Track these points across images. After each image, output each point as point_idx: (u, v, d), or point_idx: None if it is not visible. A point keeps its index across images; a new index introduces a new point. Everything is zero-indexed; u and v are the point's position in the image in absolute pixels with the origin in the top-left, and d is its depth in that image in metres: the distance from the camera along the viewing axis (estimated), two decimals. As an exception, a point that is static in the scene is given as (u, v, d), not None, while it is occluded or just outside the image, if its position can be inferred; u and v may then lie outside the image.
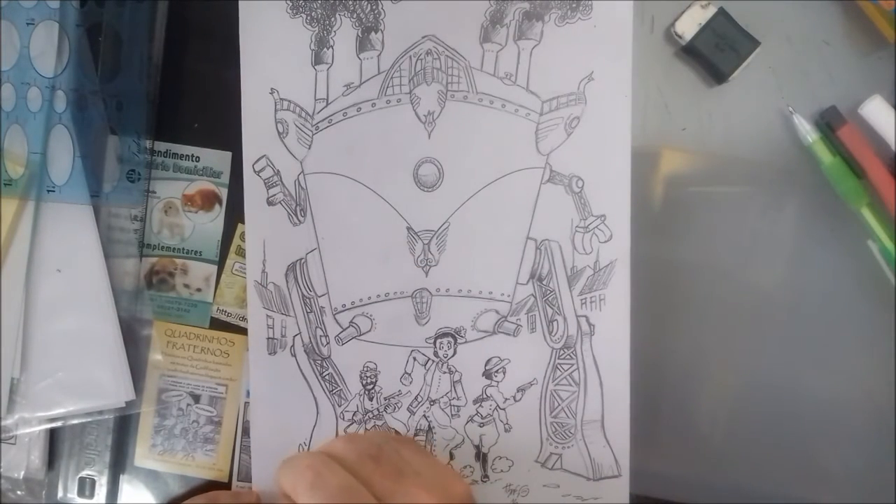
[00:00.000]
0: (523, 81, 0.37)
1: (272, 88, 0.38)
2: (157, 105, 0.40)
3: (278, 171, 0.39)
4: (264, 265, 0.39)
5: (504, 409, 0.39)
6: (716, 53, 0.37)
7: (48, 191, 0.39)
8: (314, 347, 0.39)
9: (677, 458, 0.40)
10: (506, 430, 0.39)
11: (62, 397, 0.40)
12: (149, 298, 0.41)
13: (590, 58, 0.37)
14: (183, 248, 0.41)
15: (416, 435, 0.40)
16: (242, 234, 0.40)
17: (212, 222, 0.41)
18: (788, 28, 0.37)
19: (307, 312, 0.39)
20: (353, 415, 0.40)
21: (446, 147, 0.38)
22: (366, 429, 0.40)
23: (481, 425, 0.39)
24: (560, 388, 0.39)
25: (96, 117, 0.39)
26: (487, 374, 0.39)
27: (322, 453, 0.36)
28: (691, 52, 0.37)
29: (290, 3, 0.38)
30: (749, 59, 0.37)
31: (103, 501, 0.42)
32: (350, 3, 0.37)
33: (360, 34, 0.38)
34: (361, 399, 0.40)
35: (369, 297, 0.39)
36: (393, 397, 0.39)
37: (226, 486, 0.42)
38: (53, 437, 0.42)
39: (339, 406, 0.40)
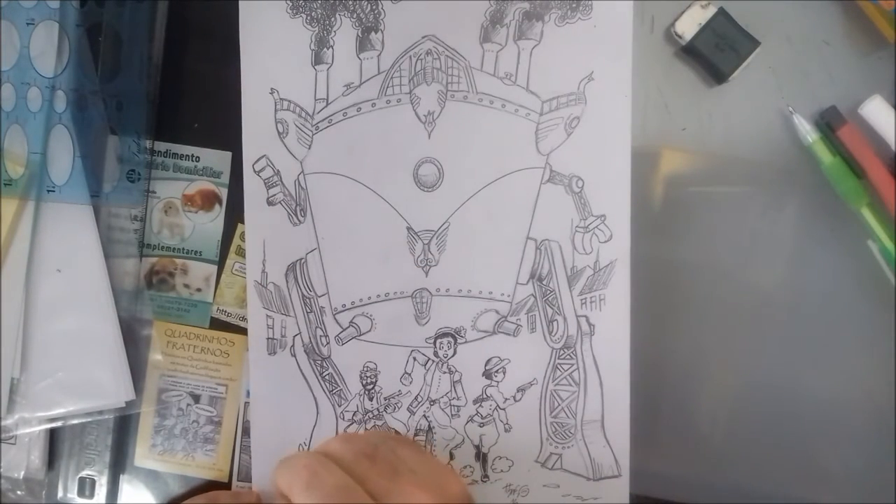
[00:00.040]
0: (523, 81, 0.37)
1: (272, 88, 0.38)
2: (157, 105, 0.40)
3: (278, 171, 0.39)
4: (264, 265, 0.39)
5: (504, 409, 0.39)
6: (716, 53, 0.37)
7: (48, 191, 0.39)
8: (314, 347, 0.39)
9: (677, 458, 0.40)
10: (506, 430, 0.39)
11: (62, 397, 0.40)
12: (149, 298, 0.41)
13: (590, 58, 0.37)
14: (183, 248, 0.41)
15: (416, 435, 0.40)
16: (242, 234, 0.40)
17: (212, 222, 0.41)
18: (788, 28, 0.37)
19: (307, 312, 0.39)
20: (353, 415, 0.40)
21: (446, 147, 0.38)
22: (366, 429, 0.40)
23: (481, 425, 0.39)
24: (560, 388, 0.39)
25: (96, 117, 0.39)
26: (487, 374, 0.39)
27: (318, 453, 0.36)
28: (691, 52, 0.37)
29: (290, 3, 0.38)
30: (749, 59, 0.37)
31: (103, 501, 0.42)
32: (350, 3, 0.37)
33: (360, 34, 0.38)
34: (361, 399, 0.40)
35: (369, 297, 0.39)
36: (393, 397, 0.39)
37: (226, 486, 0.42)
38: (53, 437, 0.42)
39: (339, 406, 0.40)
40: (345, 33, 0.38)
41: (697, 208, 0.39)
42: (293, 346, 0.39)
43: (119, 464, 0.42)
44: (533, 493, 0.39)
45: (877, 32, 0.36)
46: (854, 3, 0.36)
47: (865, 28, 0.36)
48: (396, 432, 0.40)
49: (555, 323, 0.38)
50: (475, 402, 0.39)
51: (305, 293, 0.39)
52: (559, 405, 0.39)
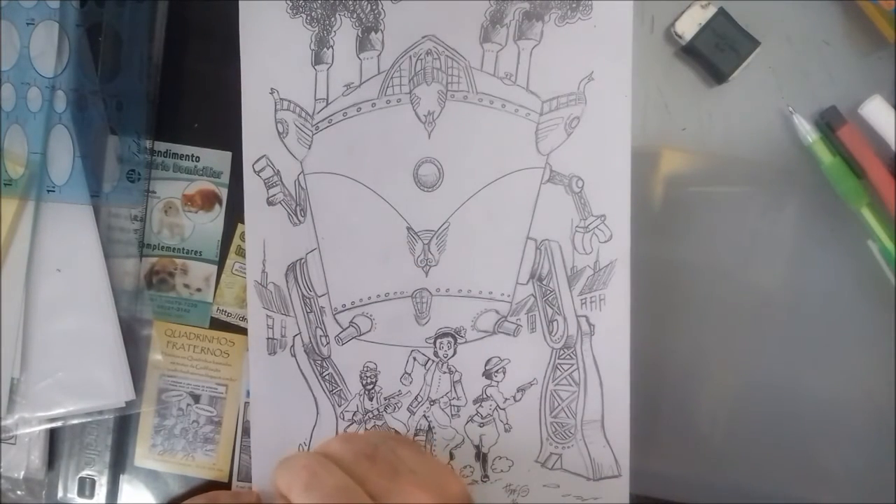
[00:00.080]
0: (523, 81, 0.37)
1: (272, 88, 0.38)
2: (157, 105, 0.40)
3: (278, 171, 0.39)
4: (264, 265, 0.39)
5: (504, 409, 0.39)
6: (716, 53, 0.37)
7: (48, 191, 0.39)
8: (314, 347, 0.39)
9: (677, 458, 0.40)
10: (506, 430, 0.39)
11: (62, 397, 0.40)
12: (149, 298, 0.41)
13: (590, 58, 0.37)
14: (183, 248, 0.41)
15: (416, 435, 0.40)
16: (242, 234, 0.40)
17: (212, 222, 0.41)
18: (788, 28, 0.37)
19: (307, 312, 0.39)
20: (353, 415, 0.40)
21: (446, 147, 0.38)
22: (366, 429, 0.40)
23: (481, 425, 0.39)
24: (560, 388, 0.39)
25: (96, 117, 0.39)
26: (487, 374, 0.39)
27: (318, 453, 0.36)
28: (691, 52, 0.37)
29: (290, 3, 0.38)
30: (749, 59, 0.37)
31: (103, 501, 0.42)
32: (350, 3, 0.37)
33: (360, 34, 0.38)
34: (361, 399, 0.40)
35: (369, 297, 0.39)
36: (393, 397, 0.39)
37: (226, 486, 0.42)
38: (53, 437, 0.42)
39: (339, 406, 0.40)
40: (345, 33, 0.38)
41: (697, 208, 0.39)
42: (293, 346, 0.39)
43: (119, 464, 0.42)
44: (533, 493, 0.39)
45: (877, 32, 0.36)
46: (854, 3, 0.36)
47: (865, 28, 0.36)
48: (396, 432, 0.40)
49: (555, 323, 0.38)
50: (475, 402, 0.39)
51: (305, 293, 0.39)
52: (559, 405, 0.39)
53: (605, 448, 0.39)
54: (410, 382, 0.39)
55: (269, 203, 0.39)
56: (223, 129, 0.39)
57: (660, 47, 0.38)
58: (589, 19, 0.37)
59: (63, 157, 0.39)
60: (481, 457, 0.40)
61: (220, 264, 0.41)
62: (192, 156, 0.41)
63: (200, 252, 0.41)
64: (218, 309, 0.41)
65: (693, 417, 0.40)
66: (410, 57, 0.37)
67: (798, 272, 0.38)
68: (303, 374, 0.39)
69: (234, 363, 0.41)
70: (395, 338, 0.39)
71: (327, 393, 0.40)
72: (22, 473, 0.42)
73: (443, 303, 0.39)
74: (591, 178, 0.37)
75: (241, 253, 0.40)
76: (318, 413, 0.40)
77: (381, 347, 0.39)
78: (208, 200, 0.41)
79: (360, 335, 0.39)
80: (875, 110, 0.35)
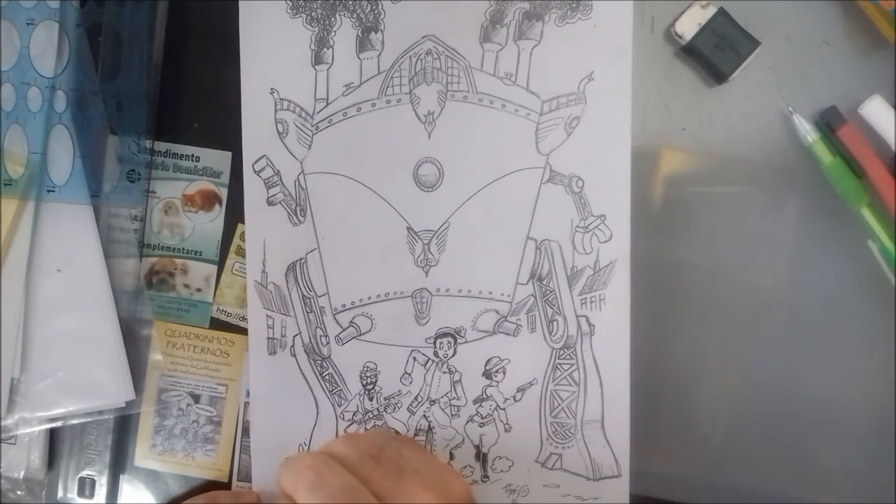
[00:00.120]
0: (523, 81, 0.37)
1: (272, 88, 0.38)
2: (157, 105, 0.40)
3: (278, 171, 0.39)
4: (264, 265, 0.39)
5: (504, 409, 0.39)
6: (716, 53, 0.37)
7: (48, 191, 0.39)
8: (314, 347, 0.39)
9: (677, 458, 0.40)
10: (506, 430, 0.39)
11: (62, 397, 0.40)
12: (149, 298, 0.41)
13: (590, 58, 0.37)
14: (183, 248, 0.41)
15: (416, 435, 0.40)
16: (242, 234, 0.40)
17: (212, 222, 0.41)
18: (788, 28, 0.37)
19: (307, 312, 0.39)
20: (353, 415, 0.40)
21: (446, 147, 0.38)
22: (366, 429, 0.40)
23: (481, 425, 0.39)
24: (560, 388, 0.39)
25: (96, 117, 0.39)
26: (487, 374, 0.39)
27: (323, 453, 0.36)
28: (691, 52, 0.37)
29: (290, 3, 0.38)
30: (749, 59, 0.37)
31: (103, 501, 0.42)
32: (350, 3, 0.37)
33: (360, 34, 0.38)
34: (361, 399, 0.40)
35: (369, 297, 0.39)
36: (393, 397, 0.39)
37: (226, 486, 0.42)
38: (53, 437, 0.42)
39: (339, 406, 0.40)
40: (345, 33, 0.38)
41: (697, 208, 0.39)
42: (293, 346, 0.39)
43: (119, 464, 0.42)
44: (533, 493, 0.39)
45: (877, 32, 0.36)
46: (854, 3, 0.36)
47: (865, 28, 0.36)
48: (397, 432, 0.40)
49: (555, 323, 0.38)
50: (475, 402, 0.39)
51: (305, 293, 0.39)
52: (559, 405, 0.39)
53: (605, 448, 0.39)
54: (410, 382, 0.39)
55: (269, 203, 0.39)
56: (223, 129, 0.39)
57: (660, 47, 0.38)
58: (589, 19, 0.37)
59: (63, 157, 0.39)
60: (481, 457, 0.40)
61: (220, 264, 0.41)
62: (192, 156, 0.41)
63: (200, 252, 0.41)
64: (218, 309, 0.41)
65: (693, 417, 0.40)
66: (410, 57, 0.37)
67: (798, 272, 0.38)
68: (303, 374, 0.39)
69: (234, 363, 0.41)
70: (395, 338, 0.39)
71: (327, 393, 0.40)
72: (22, 473, 0.42)
73: (443, 303, 0.39)
74: (591, 178, 0.37)
75: (241, 253, 0.40)
76: (318, 413, 0.40)
77: (381, 347, 0.39)
78: (208, 200, 0.41)
79: (360, 335, 0.39)
80: (875, 110, 0.35)
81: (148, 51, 0.40)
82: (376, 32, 0.38)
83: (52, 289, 0.40)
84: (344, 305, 0.39)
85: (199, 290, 0.41)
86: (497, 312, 0.39)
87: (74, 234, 0.40)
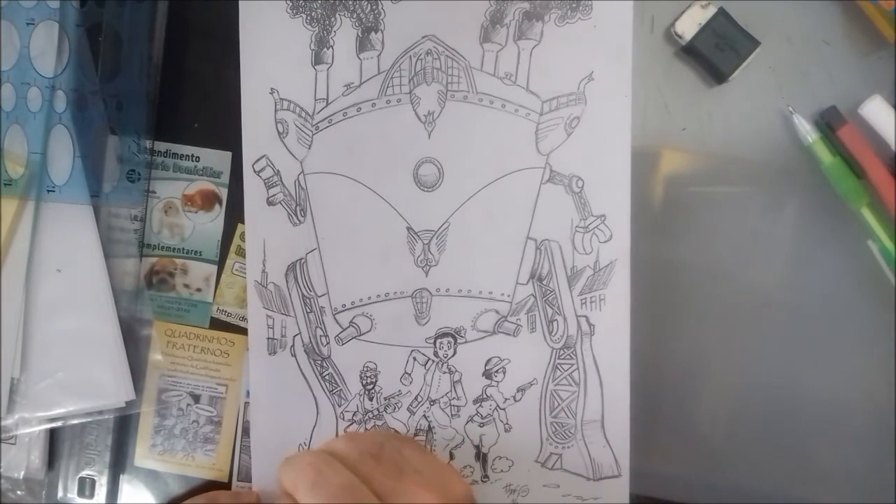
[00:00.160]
0: (523, 81, 0.37)
1: (272, 88, 0.38)
2: (157, 105, 0.40)
3: (278, 171, 0.39)
4: (264, 265, 0.39)
5: (504, 409, 0.39)
6: (716, 53, 0.37)
7: (48, 191, 0.39)
8: (314, 347, 0.39)
9: (677, 458, 0.40)
10: (506, 430, 0.39)
11: (62, 397, 0.40)
12: (149, 298, 0.41)
13: (590, 58, 0.37)
14: (183, 248, 0.41)
15: (416, 435, 0.40)
16: (242, 234, 0.40)
17: (212, 222, 0.41)
18: (788, 28, 0.37)
19: (307, 312, 0.39)
20: (353, 415, 0.40)
21: (446, 147, 0.38)
22: (366, 429, 0.40)
23: (481, 425, 0.39)
24: (560, 388, 0.39)
25: (96, 117, 0.39)
26: (487, 374, 0.39)
27: (324, 452, 0.36)
28: (691, 52, 0.37)
29: (290, 3, 0.38)
30: (749, 59, 0.37)
31: (103, 501, 0.42)
32: (350, 3, 0.37)
33: (360, 34, 0.38)
34: (361, 399, 0.40)
35: (369, 297, 0.39)
36: (393, 397, 0.39)
37: (226, 486, 0.42)
38: (53, 437, 0.42)
39: (339, 406, 0.40)
40: (345, 33, 0.38)
41: (697, 208, 0.39)
42: (293, 346, 0.39)
43: (119, 464, 0.42)
44: (533, 493, 0.39)
45: (877, 32, 0.36)
46: (854, 3, 0.36)
47: (865, 28, 0.36)
48: (397, 432, 0.40)
49: (555, 323, 0.38)
50: (475, 402, 0.39)
51: (305, 293, 0.39)
52: (559, 405, 0.39)
53: (605, 448, 0.39)
54: (410, 382, 0.39)
55: (269, 203, 0.39)
56: (223, 129, 0.39)
57: (660, 47, 0.38)
58: (589, 19, 0.37)
59: (63, 157, 0.39)
60: (481, 457, 0.40)
61: (220, 264, 0.41)
62: (192, 156, 0.41)
63: (200, 252, 0.41)
64: (218, 309, 0.41)
65: (693, 417, 0.40)
66: (410, 57, 0.37)
67: (798, 272, 0.38)
68: (303, 374, 0.39)
69: (234, 363, 0.41)
70: (395, 338, 0.39)
71: (327, 393, 0.40)
72: (22, 473, 0.42)
73: (443, 303, 0.39)
74: (591, 178, 0.37)
75: (241, 253, 0.40)
76: (318, 413, 0.40)
77: (381, 347, 0.39)
78: (208, 200, 0.41)
79: (360, 335, 0.39)
80: (875, 110, 0.35)
81: (148, 51, 0.40)
82: (376, 32, 0.38)
83: (52, 289, 0.40)
84: (344, 305, 0.39)
85: (199, 290, 0.41)
86: (497, 312, 0.39)
87: (74, 234, 0.40)
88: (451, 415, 0.39)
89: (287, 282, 0.39)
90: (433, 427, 0.40)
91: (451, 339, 0.39)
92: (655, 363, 0.39)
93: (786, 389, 0.39)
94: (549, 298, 0.38)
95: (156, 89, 0.40)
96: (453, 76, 0.37)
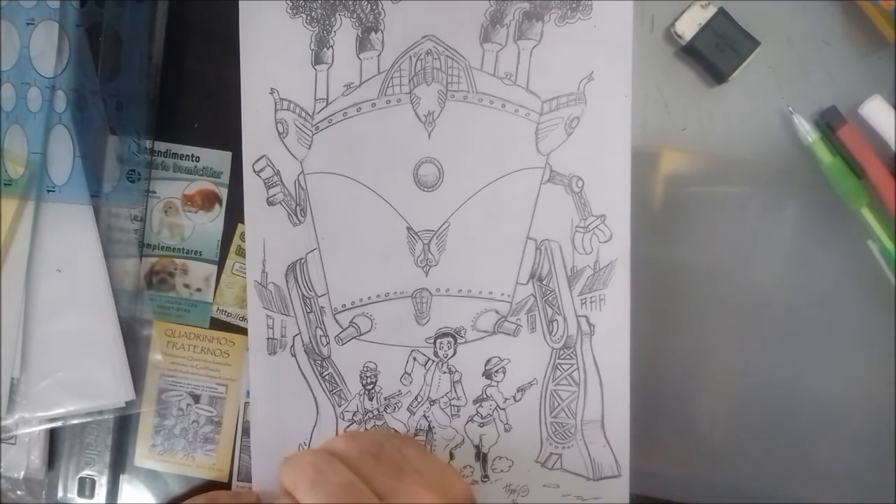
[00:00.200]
0: (523, 81, 0.37)
1: (272, 88, 0.38)
2: (157, 105, 0.40)
3: (278, 171, 0.39)
4: (264, 265, 0.39)
5: (504, 409, 0.39)
6: (716, 53, 0.37)
7: (48, 191, 0.39)
8: (314, 347, 0.39)
9: (677, 458, 0.40)
10: (506, 430, 0.39)
11: (62, 397, 0.40)
12: (149, 298, 0.41)
13: (590, 58, 0.37)
14: (183, 248, 0.41)
15: (416, 435, 0.40)
16: (242, 234, 0.40)
17: (212, 222, 0.41)
18: (788, 28, 0.37)
19: (307, 312, 0.39)
20: (353, 415, 0.40)
21: (446, 147, 0.38)
22: (366, 429, 0.40)
23: (481, 425, 0.39)
24: (560, 388, 0.39)
25: (96, 117, 0.39)
26: (487, 374, 0.39)
27: (324, 451, 0.36)
28: (691, 52, 0.37)
29: (290, 3, 0.38)
30: (749, 59, 0.37)
31: (103, 501, 0.42)
32: (350, 3, 0.37)
33: (360, 34, 0.38)
34: (361, 399, 0.40)
35: (369, 297, 0.39)
36: (393, 397, 0.39)
37: (226, 486, 0.42)
38: (53, 437, 0.42)
39: (339, 406, 0.40)
40: (345, 33, 0.38)
41: (697, 208, 0.39)
42: (293, 346, 0.39)
43: (119, 464, 0.42)
44: (533, 493, 0.39)
45: (877, 32, 0.36)
46: (854, 3, 0.36)
47: (865, 28, 0.36)
48: (397, 432, 0.40)
49: (555, 323, 0.38)
50: (475, 402, 0.39)
51: (305, 293, 0.39)
52: (559, 405, 0.39)
53: (605, 448, 0.39)
54: (410, 382, 0.39)
55: (269, 203, 0.39)
56: (223, 129, 0.39)
57: (660, 47, 0.38)
58: (589, 19, 0.37)
59: (63, 157, 0.39)
60: (481, 457, 0.40)
61: (220, 264, 0.41)
62: (192, 156, 0.41)
63: (200, 252, 0.41)
64: (218, 309, 0.41)
65: (693, 417, 0.40)
66: (410, 57, 0.37)
67: (798, 272, 0.38)
68: (303, 374, 0.39)
69: (234, 363, 0.41)
70: (395, 338, 0.39)
71: (327, 393, 0.40)
72: (22, 473, 0.42)
73: (443, 303, 0.39)
74: (591, 178, 0.37)
75: (241, 253, 0.40)
76: (318, 413, 0.40)
77: (381, 347, 0.39)
78: (208, 200, 0.41)
79: (360, 335, 0.39)
80: (875, 110, 0.35)
81: (148, 51, 0.40)
82: (376, 32, 0.38)
83: (52, 289, 0.40)
84: (344, 305, 0.39)
85: (199, 290, 0.41)
86: (497, 312, 0.39)
87: (74, 234, 0.40)
88: (451, 415, 0.39)
89: (287, 282, 0.39)
90: (433, 427, 0.40)
91: (451, 339, 0.39)
92: (655, 363, 0.39)
93: (786, 389, 0.39)
94: (549, 298, 0.38)
95: (156, 89, 0.40)
96: (453, 76, 0.37)
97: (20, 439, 0.42)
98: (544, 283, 0.38)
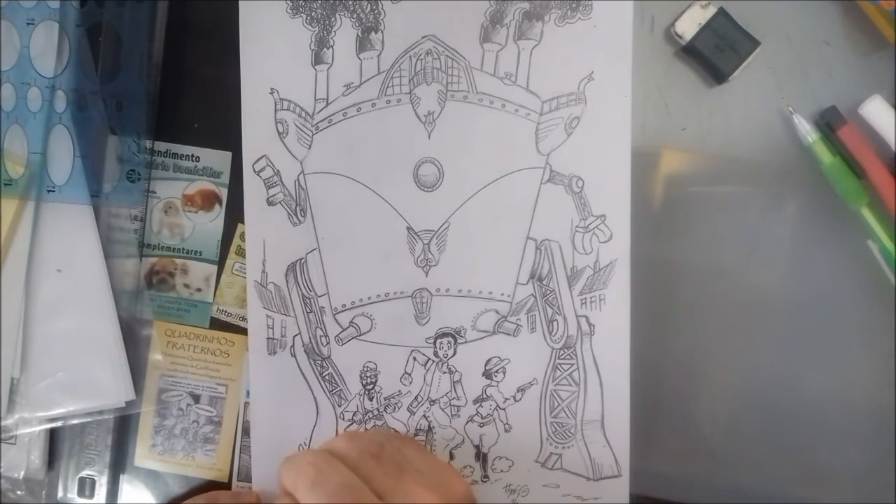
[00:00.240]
0: (523, 81, 0.37)
1: (272, 88, 0.38)
2: (157, 105, 0.40)
3: (278, 171, 0.39)
4: (264, 265, 0.39)
5: (504, 409, 0.39)
6: (716, 53, 0.37)
7: (48, 191, 0.39)
8: (314, 347, 0.39)
9: (677, 458, 0.40)
10: (506, 430, 0.39)
11: (62, 397, 0.40)
12: (149, 298, 0.41)
13: (590, 58, 0.37)
14: (183, 248, 0.41)
15: (416, 435, 0.40)
16: (242, 234, 0.40)
17: (212, 222, 0.41)
18: (788, 28, 0.37)
19: (307, 312, 0.39)
20: (353, 415, 0.40)
21: (446, 147, 0.38)
22: (366, 429, 0.40)
23: (481, 425, 0.39)
24: (560, 388, 0.39)
25: (96, 117, 0.39)
26: (487, 374, 0.39)
27: (324, 451, 0.36)
28: (691, 52, 0.37)
29: (290, 3, 0.38)
30: (749, 59, 0.37)
31: (103, 501, 0.42)
32: (350, 3, 0.37)
33: (360, 34, 0.38)
34: (361, 399, 0.40)
35: (369, 297, 0.39)
36: (393, 397, 0.39)
37: (226, 486, 0.42)
38: (53, 437, 0.42)
39: (339, 406, 0.40)
40: (345, 33, 0.38)
41: (697, 208, 0.39)
42: (293, 346, 0.39)
43: (119, 464, 0.42)
44: (533, 493, 0.39)
45: (877, 32, 0.36)
46: (854, 3, 0.36)
47: (865, 28, 0.36)
48: (396, 432, 0.40)
49: (555, 323, 0.38)
50: (475, 402, 0.39)
51: (305, 293, 0.39)
52: (559, 405, 0.39)
53: (605, 448, 0.39)
54: (410, 382, 0.39)
55: (269, 203, 0.39)
56: (223, 129, 0.39)
57: (660, 47, 0.38)
58: (589, 19, 0.37)
59: (63, 157, 0.39)
60: (481, 457, 0.40)
61: (220, 264, 0.41)
62: (192, 156, 0.41)
63: (200, 252, 0.41)
64: (218, 309, 0.41)
65: (693, 417, 0.40)
66: (410, 57, 0.37)
67: (798, 272, 0.38)
68: (303, 374, 0.39)
69: (234, 363, 0.41)
70: (395, 338, 0.39)
71: (327, 393, 0.40)
72: (22, 473, 0.42)
73: (443, 303, 0.39)
74: (591, 178, 0.37)
75: (241, 253, 0.40)
76: (318, 413, 0.40)
77: (381, 347, 0.39)
78: (208, 200, 0.41)
79: (360, 335, 0.39)
80: (875, 110, 0.35)
81: (148, 51, 0.40)
82: (376, 32, 0.38)
83: (52, 289, 0.40)
84: (344, 305, 0.39)
85: (199, 290, 0.41)
86: (497, 312, 0.39)
87: (74, 234, 0.40)
88: (451, 415, 0.39)
89: (287, 282, 0.39)
90: (433, 427, 0.40)
91: (451, 339, 0.39)
92: (655, 363, 0.39)
93: (786, 389, 0.39)
94: (549, 298, 0.38)
95: (156, 89, 0.40)
96: (453, 76, 0.37)
97: (20, 439, 0.42)
98: (544, 283, 0.38)
